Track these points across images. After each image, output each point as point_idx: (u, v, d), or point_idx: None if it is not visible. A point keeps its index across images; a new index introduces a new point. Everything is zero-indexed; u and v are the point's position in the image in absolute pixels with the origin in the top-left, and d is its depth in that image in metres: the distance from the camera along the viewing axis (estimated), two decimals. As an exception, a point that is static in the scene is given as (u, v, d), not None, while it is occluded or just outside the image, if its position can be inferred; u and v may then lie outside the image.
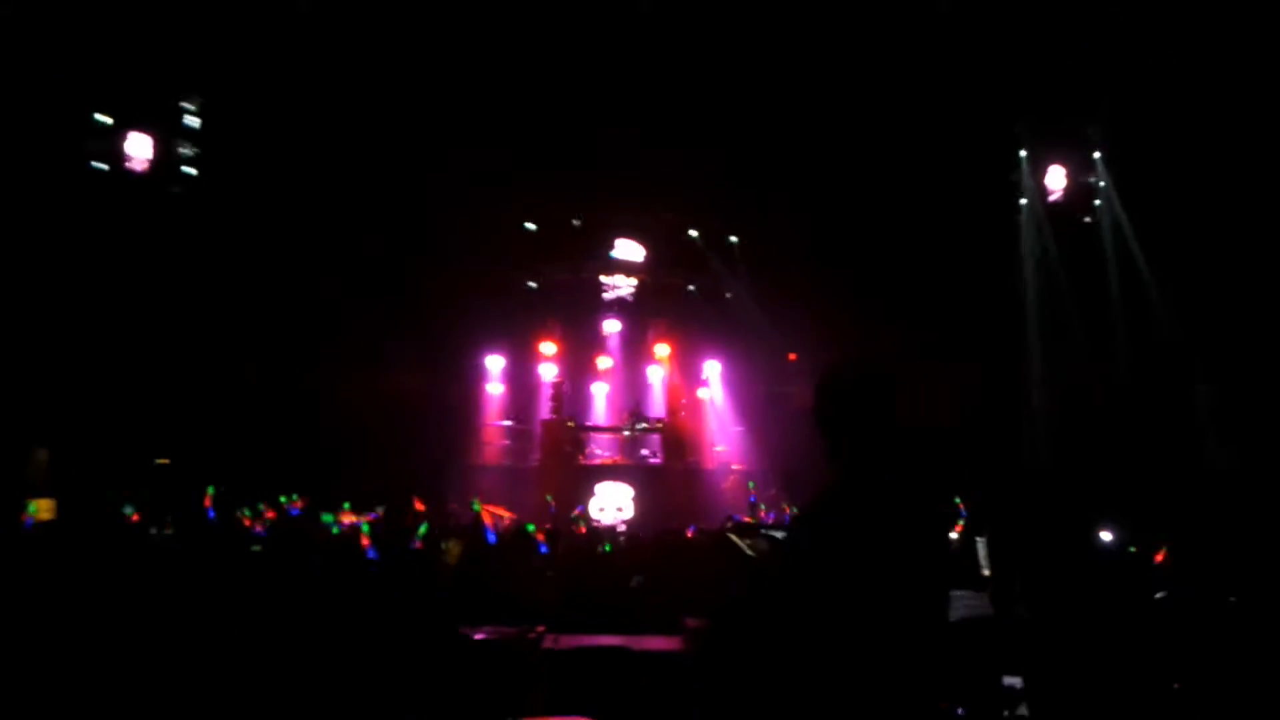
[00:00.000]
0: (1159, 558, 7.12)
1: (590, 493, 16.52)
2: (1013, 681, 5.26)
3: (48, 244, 12.43)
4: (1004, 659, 5.38)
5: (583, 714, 5.21)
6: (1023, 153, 14.62)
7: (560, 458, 17.33)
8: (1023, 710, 5.20)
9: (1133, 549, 7.29)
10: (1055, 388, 13.30)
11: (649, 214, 17.70)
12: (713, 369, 19.03)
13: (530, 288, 18.39)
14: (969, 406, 13.79)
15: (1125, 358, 13.10)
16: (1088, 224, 14.15)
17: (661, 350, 19.18)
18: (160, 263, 13.22)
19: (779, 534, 7.46)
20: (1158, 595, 6.24)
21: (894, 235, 14.35)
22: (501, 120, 13.65)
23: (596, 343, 19.17)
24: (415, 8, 12.10)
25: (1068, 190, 14.30)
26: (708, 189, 15.74)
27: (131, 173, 13.35)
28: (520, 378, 18.92)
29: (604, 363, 19.18)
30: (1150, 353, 12.84)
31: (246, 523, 10.75)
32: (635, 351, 19.31)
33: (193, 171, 13.54)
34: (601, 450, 18.18)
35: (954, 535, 9.52)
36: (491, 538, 10.76)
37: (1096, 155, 14.25)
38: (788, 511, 13.50)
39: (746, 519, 13.78)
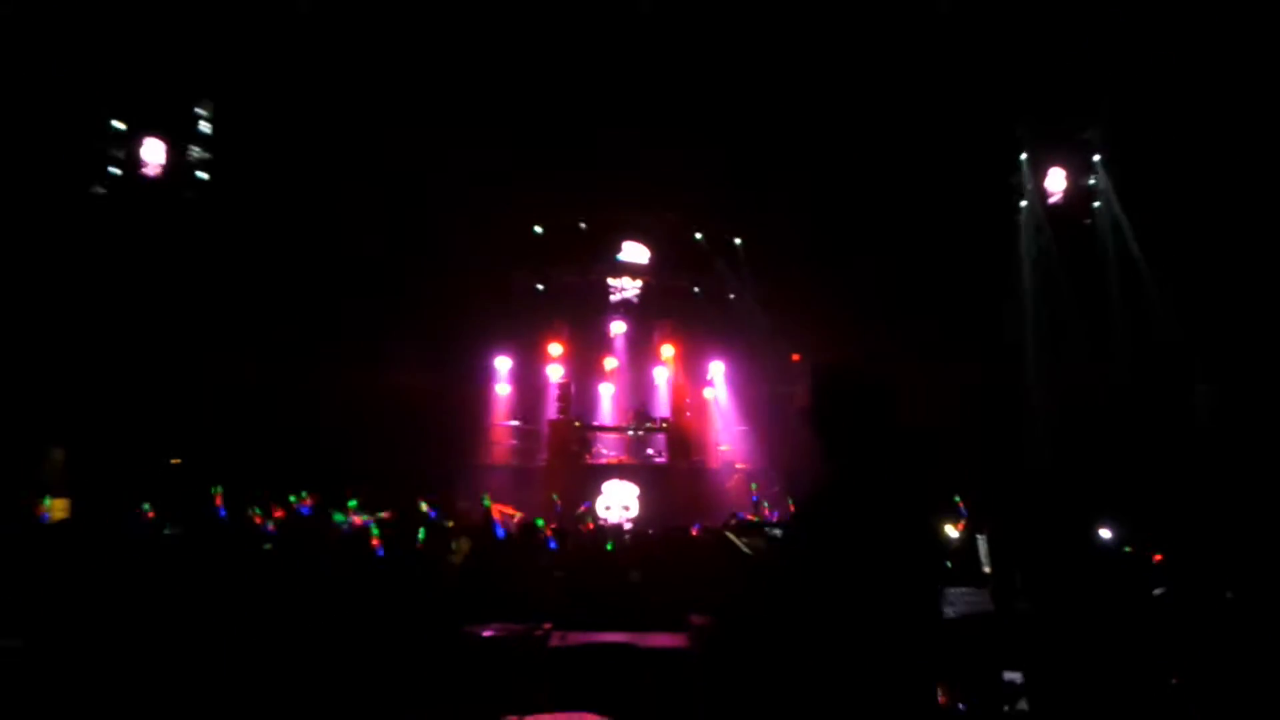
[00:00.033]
0: (1157, 558, 7.11)
1: (597, 491, 16.54)
2: (1013, 676, 5.26)
3: (65, 248, 12.46)
4: (1005, 654, 5.38)
5: (589, 710, 5.21)
6: (1023, 155, 14.59)
7: (567, 457, 17.36)
8: (1023, 705, 5.20)
9: (1128, 549, 7.27)
10: (1055, 387, 13.27)
11: (654, 217, 17.71)
12: (717, 369, 19.04)
13: (538, 290, 18.39)
14: (970, 406, 13.76)
15: (1124, 358, 13.07)
16: (1087, 226, 14.12)
17: (666, 351, 19.20)
18: (175, 265, 13.24)
19: (778, 532, 7.47)
20: (1156, 592, 6.24)
21: (896, 237, 14.33)
22: (509, 125, 13.65)
23: (603, 344, 19.18)
24: (422, 12, 12.10)
25: (1067, 192, 14.27)
26: (712, 192, 15.73)
27: (145, 177, 13.37)
28: (528, 378, 18.94)
29: (610, 364, 19.19)
30: (1149, 353, 12.81)
31: (258, 520, 10.76)
32: (641, 352, 19.32)
33: (205, 176, 13.55)
34: (608, 450, 18.20)
35: (955, 533, 9.52)
36: (500, 533, 10.77)
37: (1096, 158, 14.22)
38: (792, 509, 13.48)
39: (750, 516, 13.78)
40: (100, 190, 13.11)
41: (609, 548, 10.31)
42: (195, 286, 13.42)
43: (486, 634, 6.31)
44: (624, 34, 12.36)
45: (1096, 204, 14.25)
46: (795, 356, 16.35)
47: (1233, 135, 11.52)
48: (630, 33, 12.34)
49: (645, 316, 19.04)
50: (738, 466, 18.04)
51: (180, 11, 11.78)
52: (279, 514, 11.09)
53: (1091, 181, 14.28)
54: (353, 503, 12.18)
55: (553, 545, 10.37)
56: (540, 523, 13.33)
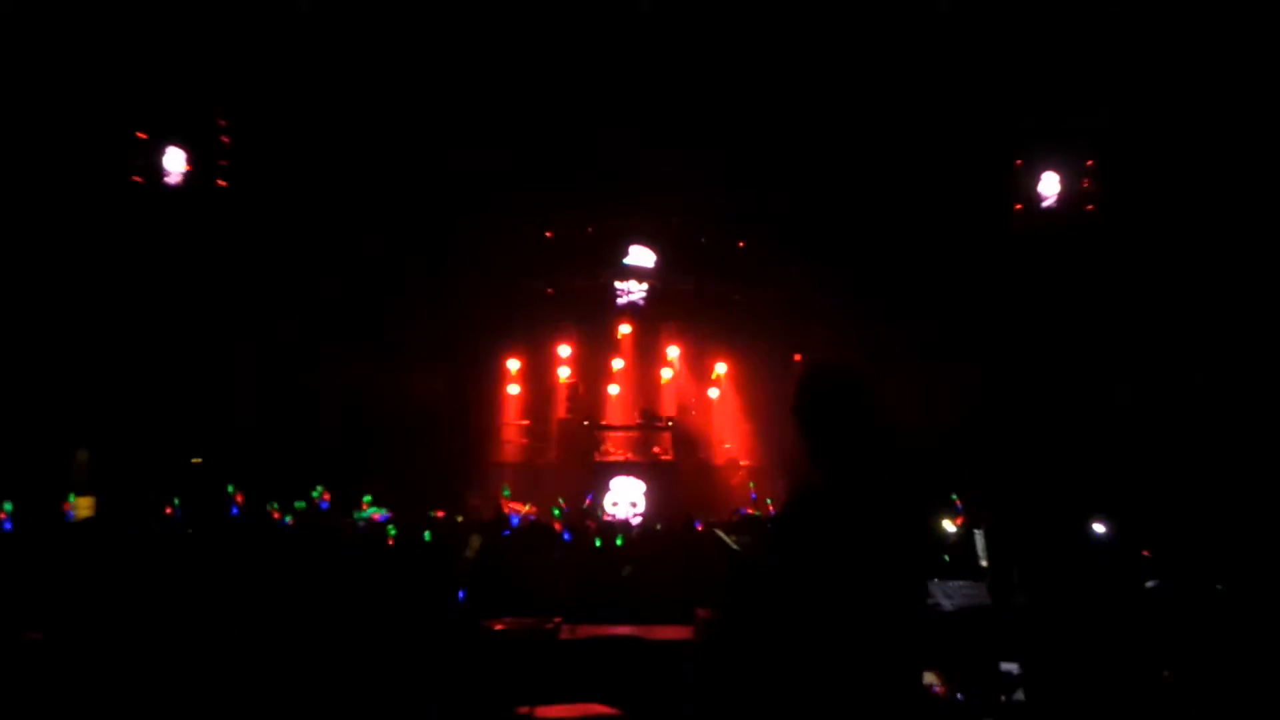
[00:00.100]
0: (1145, 553, 7.11)
1: (605, 488, 16.56)
2: (1010, 667, 5.26)
3: (88, 254, 12.50)
4: (1002, 646, 5.38)
5: (598, 701, 5.22)
6: (1018, 159, 14.55)
7: (576, 455, 17.42)
8: (1020, 695, 5.20)
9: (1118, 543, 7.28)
10: (1052, 388, 13.23)
11: (659, 221, 17.70)
12: (721, 369, 19.04)
13: (547, 294, 18.41)
14: (968, 405, 13.74)
15: (1121, 359, 13.03)
16: (1082, 229, 14.07)
17: (672, 352, 19.21)
18: (195, 269, 13.27)
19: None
20: (1149, 584, 6.23)
21: (895, 239, 14.31)
22: (520, 134, 13.65)
23: (610, 345, 19.18)
24: (432, 19, 12.10)
25: (1061, 196, 14.22)
26: (716, 194, 15.71)
27: (167, 185, 13.41)
28: (538, 379, 18.97)
29: (617, 364, 19.19)
30: (1144, 353, 12.78)
31: (275, 515, 10.80)
32: (647, 353, 19.32)
33: (224, 183, 13.57)
34: (615, 448, 18.21)
35: (953, 528, 9.53)
36: (515, 521, 10.78)
37: (1090, 162, 14.17)
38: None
39: (751, 511, 13.80)
40: (123, 197, 13.14)
41: (618, 542, 10.34)
42: (215, 290, 13.45)
43: (498, 627, 6.33)
44: (626, 37, 12.35)
45: (1090, 207, 14.21)
46: (797, 357, 16.33)
47: (1231, 140, 11.49)
48: (632, 36, 12.33)
49: (651, 318, 19.03)
50: (742, 463, 18.07)
51: (196, 21, 11.78)
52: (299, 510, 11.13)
53: (1086, 185, 14.23)
54: (367, 498, 12.23)
55: (567, 537, 10.40)
56: (556, 512, 13.39)
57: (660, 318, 19.05)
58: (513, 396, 18.81)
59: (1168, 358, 12.42)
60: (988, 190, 14.31)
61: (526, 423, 18.69)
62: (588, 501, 15.28)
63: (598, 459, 17.52)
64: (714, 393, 19.13)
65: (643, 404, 18.58)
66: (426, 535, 9.07)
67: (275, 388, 14.11)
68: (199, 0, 11.69)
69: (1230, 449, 11.00)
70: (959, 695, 5.05)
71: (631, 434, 18.31)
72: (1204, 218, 12.04)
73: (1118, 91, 12.36)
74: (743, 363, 18.61)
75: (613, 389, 19.18)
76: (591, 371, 19.03)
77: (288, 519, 11.09)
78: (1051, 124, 13.49)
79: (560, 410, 18.55)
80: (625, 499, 16.56)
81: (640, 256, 18.09)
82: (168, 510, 9.98)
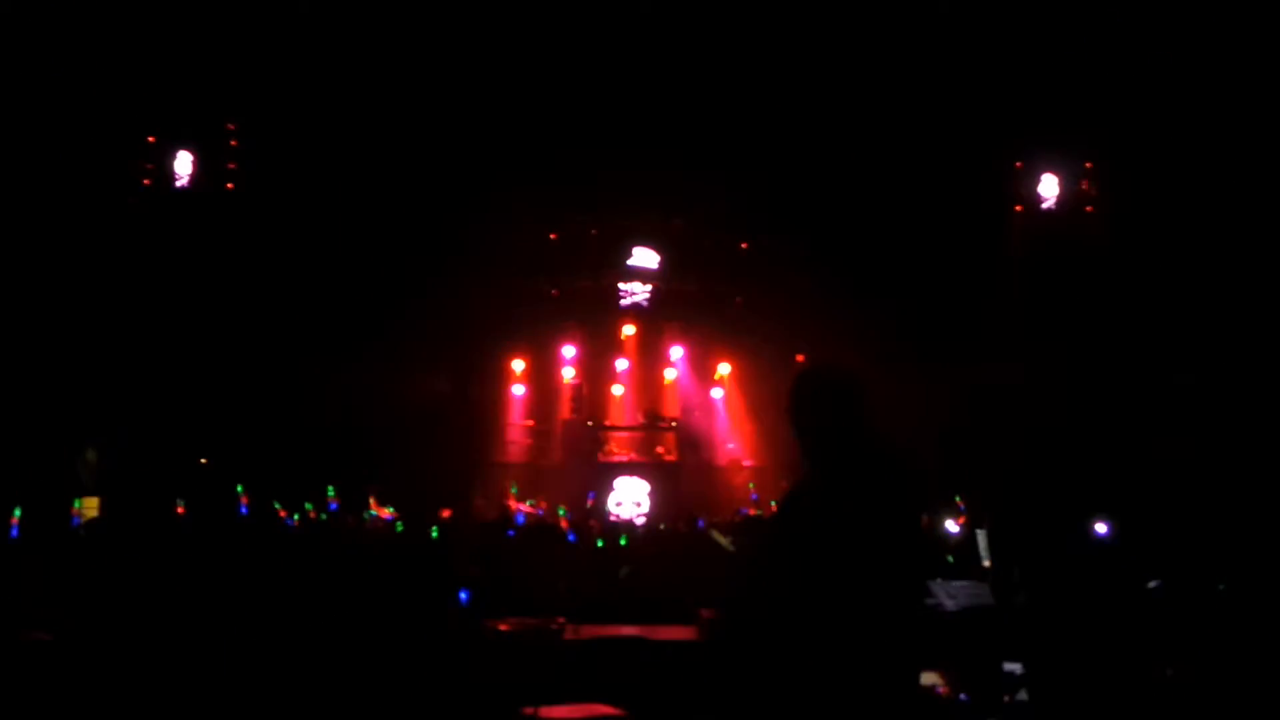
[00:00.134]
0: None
1: (609, 488, 16.56)
2: (1013, 667, 5.23)
3: (98, 254, 12.52)
4: (1004, 646, 5.35)
5: (603, 701, 5.19)
6: (1017, 162, 14.53)
7: (580, 455, 17.41)
8: (1023, 695, 5.17)
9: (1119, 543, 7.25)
10: (1053, 389, 13.20)
11: (663, 223, 17.70)
12: (724, 370, 19.02)
13: (552, 295, 18.40)
14: (970, 405, 13.72)
15: (1121, 360, 13.00)
16: (1082, 232, 14.05)
17: (676, 352, 19.19)
18: (202, 271, 13.28)
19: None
20: (1150, 584, 6.20)
21: (896, 241, 14.28)
22: (526, 137, 13.64)
23: (614, 346, 19.17)
24: (440, 24, 12.09)
25: (1061, 198, 14.21)
26: (719, 197, 15.69)
27: (176, 189, 13.42)
28: (542, 380, 18.95)
29: (621, 365, 19.18)
30: (1144, 355, 12.75)
31: (281, 514, 10.79)
32: (651, 354, 19.30)
33: (231, 185, 13.58)
34: (619, 448, 18.21)
35: (956, 528, 9.50)
36: (521, 519, 10.76)
37: (1089, 165, 14.15)
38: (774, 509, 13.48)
39: (752, 512, 13.80)
40: (133, 201, 13.16)
41: (622, 542, 10.32)
42: (221, 292, 13.46)
43: (503, 628, 6.31)
44: (631, 40, 12.33)
45: (1089, 209, 14.19)
46: (800, 357, 16.31)
47: (1230, 144, 11.46)
48: (637, 39, 12.32)
49: (655, 319, 19.02)
50: (745, 464, 18.07)
51: (206, 26, 11.79)
52: (312, 515, 11.12)
53: (1085, 188, 14.21)
54: (370, 500, 12.22)
55: (572, 538, 10.39)
56: (562, 511, 13.39)
57: (664, 318, 19.03)
58: (517, 397, 18.81)
59: (1169, 358, 12.40)
60: (988, 192, 14.29)
61: (531, 423, 18.69)
62: (590, 502, 15.27)
63: (602, 459, 17.54)
64: (717, 393, 19.12)
65: (646, 404, 18.58)
66: (434, 532, 9.06)
67: (281, 388, 14.10)
68: (208, 8, 11.71)
69: (1230, 449, 10.97)
70: (962, 695, 5.02)
71: (635, 434, 18.36)
72: (1202, 219, 12.02)
73: (1116, 95, 12.34)
74: (746, 363, 18.58)
75: (617, 389, 19.17)
76: (595, 372, 19.02)
77: (295, 518, 11.09)
78: (1051, 127, 13.47)
79: (564, 410, 18.55)
80: (629, 499, 16.57)
81: (644, 258, 18.08)
82: (179, 510, 9.97)
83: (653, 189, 15.72)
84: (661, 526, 13.20)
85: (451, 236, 15.39)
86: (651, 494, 16.58)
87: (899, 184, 13.90)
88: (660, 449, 17.88)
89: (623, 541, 10.30)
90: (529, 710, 4.97)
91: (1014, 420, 12.89)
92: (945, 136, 13.23)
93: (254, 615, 6.02)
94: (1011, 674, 5.22)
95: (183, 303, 13.22)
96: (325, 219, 14.11)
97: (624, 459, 17.78)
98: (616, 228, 17.81)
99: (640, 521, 14.88)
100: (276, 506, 10.66)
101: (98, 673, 5.44)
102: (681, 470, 17.14)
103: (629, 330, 19.10)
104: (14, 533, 8.22)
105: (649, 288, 18.43)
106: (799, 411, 3.26)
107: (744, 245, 17.58)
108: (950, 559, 8.37)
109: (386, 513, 12.44)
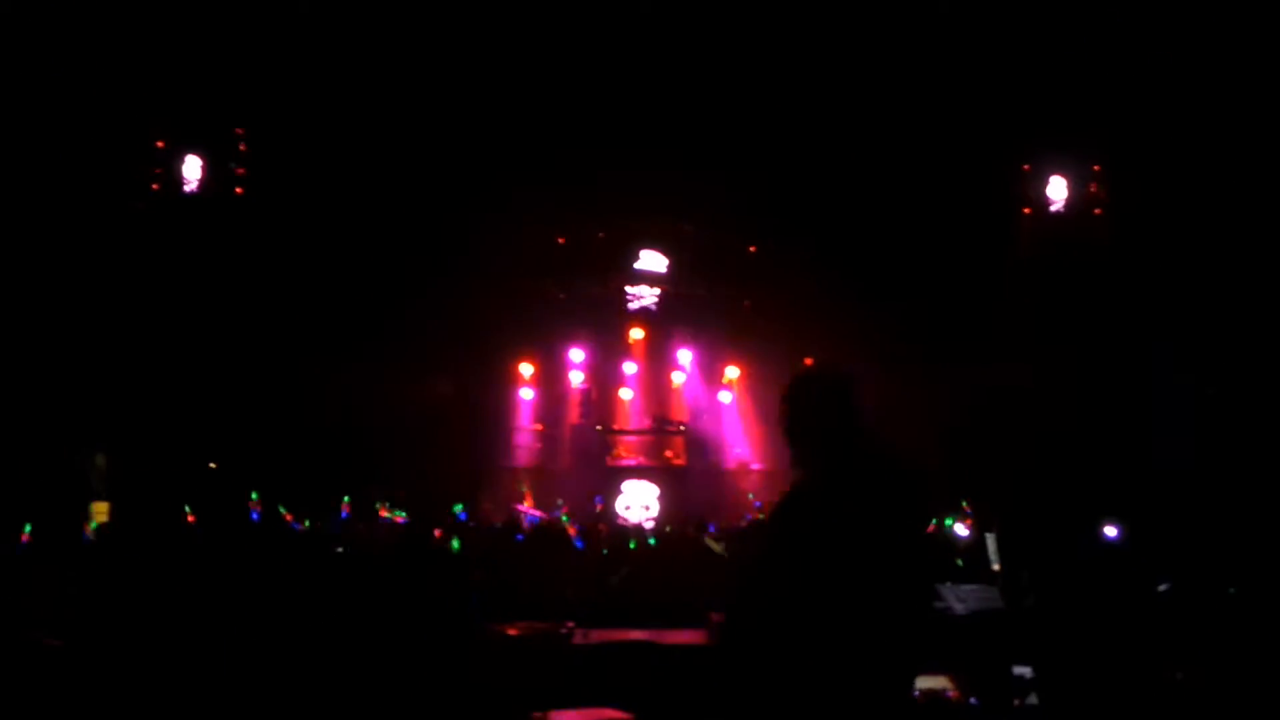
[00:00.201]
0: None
1: (617, 492, 16.56)
2: (1023, 671, 5.22)
3: (107, 259, 12.56)
4: (1014, 649, 5.34)
5: (612, 706, 5.19)
6: (1026, 165, 14.52)
7: (588, 459, 17.41)
8: (1033, 699, 5.16)
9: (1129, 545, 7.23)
10: (1061, 391, 13.18)
11: (671, 226, 17.70)
12: (732, 374, 19.00)
13: (560, 299, 18.42)
14: (978, 407, 13.70)
15: (1129, 362, 12.98)
16: (1090, 234, 14.04)
17: (684, 356, 19.16)
18: (210, 275, 13.32)
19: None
20: (1160, 587, 6.19)
21: (904, 244, 14.27)
22: (533, 141, 13.66)
23: (622, 350, 19.15)
24: (447, 28, 12.12)
25: (1069, 200, 14.20)
26: (726, 200, 15.69)
27: (184, 193, 13.47)
28: (550, 384, 18.94)
29: (629, 369, 19.17)
30: (1148, 357, 12.73)
31: (288, 518, 10.80)
32: (659, 358, 19.28)
33: (240, 190, 13.62)
34: (627, 452, 18.20)
35: (965, 532, 9.48)
36: (532, 520, 10.74)
37: (1097, 167, 14.14)
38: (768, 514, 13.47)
39: (757, 517, 13.79)
40: (141, 205, 13.21)
41: (631, 546, 10.32)
42: (230, 296, 13.49)
43: (511, 632, 6.31)
44: (636, 43, 12.35)
45: (1097, 212, 14.18)
46: (808, 360, 16.30)
47: (1235, 146, 11.44)
48: (642, 43, 12.33)
49: (663, 323, 19.00)
50: (753, 467, 18.04)
51: (214, 30, 11.84)
52: (317, 524, 11.12)
53: (1093, 190, 14.20)
54: (377, 504, 12.22)
55: (579, 545, 10.37)
56: (566, 519, 13.37)
57: (672, 322, 19.01)
58: (525, 401, 18.80)
59: (1172, 359, 12.38)
60: (996, 194, 14.28)
61: (539, 427, 18.67)
62: (598, 506, 15.27)
63: (610, 463, 17.55)
64: (726, 397, 19.09)
65: (655, 408, 18.56)
66: (455, 544, 9.02)
67: (290, 392, 14.13)
68: (216, 13, 11.75)
69: (1239, 452, 10.95)
70: (972, 699, 5.01)
71: (644, 438, 18.35)
72: (1210, 221, 12.00)
73: (1124, 97, 12.33)
74: (754, 367, 18.55)
75: (625, 393, 19.15)
76: (603, 376, 19.00)
77: (306, 523, 11.10)
78: (1059, 129, 13.46)
79: (573, 415, 18.53)
80: (638, 503, 16.56)
81: (652, 261, 18.08)
82: (190, 518, 9.99)
83: (660, 192, 15.72)
84: (668, 529, 13.20)
85: (459, 241, 15.41)
86: (660, 498, 16.57)
87: (907, 186, 13.90)
88: (669, 453, 17.87)
89: (631, 545, 10.31)
90: (538, 715, 4.97)
91: (1023, 422, 12.87)
92: (953, 139, 13.24)
93: (263, 620, 6.03)
94: (1021, 677, 5.21)
95: (192, 307, 13.26)
96: (334, 223, 14.15)
97: (632, 463, 17.77)
98: (624, 231, 17.82)
99: (649, 525, 14.87)
100: (282, 511, 10.68)
101: (109, 678, 5.46)
102: (690, 474, 17.12)
103: (637, 334, 19.08)
104: (25, 539, 8.25)
105: (657, 291, 18.42)
106: (796, 414, 3.25)
107: (752, 248, 17.57)
108: (959, 562, 8.37)
109: (399, 518, 12.45)
